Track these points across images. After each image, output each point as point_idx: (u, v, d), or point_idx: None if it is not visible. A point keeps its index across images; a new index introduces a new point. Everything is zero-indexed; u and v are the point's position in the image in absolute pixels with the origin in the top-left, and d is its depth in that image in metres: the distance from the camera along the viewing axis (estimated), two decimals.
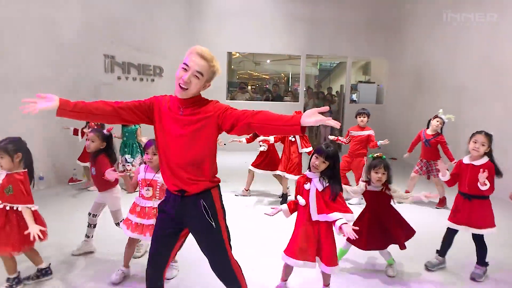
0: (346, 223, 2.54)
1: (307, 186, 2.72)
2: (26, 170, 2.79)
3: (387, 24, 9.90)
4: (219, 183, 2.18)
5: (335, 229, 2.65)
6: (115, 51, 7.10)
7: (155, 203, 2.94)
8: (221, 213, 2.14)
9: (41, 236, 2.68)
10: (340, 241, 3.08)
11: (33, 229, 2.59)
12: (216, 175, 2.18)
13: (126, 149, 5.68)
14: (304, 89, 10.60)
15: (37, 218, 2.79)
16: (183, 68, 1.99)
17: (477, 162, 3.26)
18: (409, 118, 8.92)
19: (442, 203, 5.35)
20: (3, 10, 5.01)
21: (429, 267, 3.47)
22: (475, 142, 3.27)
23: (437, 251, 3.55)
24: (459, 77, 7.36)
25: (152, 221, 2.92)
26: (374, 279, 3.24)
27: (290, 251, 2.74)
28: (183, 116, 2.04)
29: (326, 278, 2.91)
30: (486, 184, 3.09)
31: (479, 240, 3.35)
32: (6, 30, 5.08)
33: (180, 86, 1.98)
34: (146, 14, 7.98)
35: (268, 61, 15.91)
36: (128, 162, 5.36)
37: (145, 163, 3.09)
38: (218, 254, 2.13)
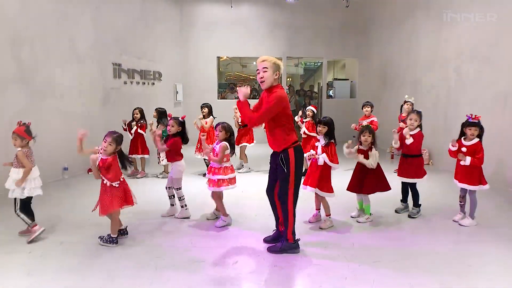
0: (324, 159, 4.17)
1: (317, 144, 4.29)
2: (115, 155, 3.71)
3: (357, 28, 11.24)
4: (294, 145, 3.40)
5: (320, 160, 4.18)
6: (121, 60, 8.27)
7: (229, 164, 4.30)
8: (292, 163, 3.37)
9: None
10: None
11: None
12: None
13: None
14: (286, 87, 11.86)
15: (128, 191, 3.77)
16: (257, 72, 3.35)
17: (413, 132, 4.54)
18: (377, 110, 10.17)
19: None
20: (35, 31, 6.14)
21: (397, 211, 4.76)
22: (411, 119, 4.56)
23: (401, 200, 4.83)
24: (414, 72, 8.68)
25: (231, 175, 4.27)
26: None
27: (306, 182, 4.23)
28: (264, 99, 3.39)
29: (326, 208, 4.29)
30: (409, 139, 4.41)
31: (412, 187, 4.63)
32: (39, 49, 6.22)
33: (259, 82, 3.36)
34: (146, 27, 9.16)
35: (254, 63, 17.08)
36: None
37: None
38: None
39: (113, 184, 3.63)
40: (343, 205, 4.83)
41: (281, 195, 3.46)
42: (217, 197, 4.37)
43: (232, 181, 4.34)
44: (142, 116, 6.81)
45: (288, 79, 17.80)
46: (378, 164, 4.44)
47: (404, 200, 4.84)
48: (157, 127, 6.24)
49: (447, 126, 7.40)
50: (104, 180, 3.64)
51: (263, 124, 3.73)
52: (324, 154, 4.17)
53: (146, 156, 6.86)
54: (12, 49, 5.78)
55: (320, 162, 4.18)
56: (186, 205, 4.62)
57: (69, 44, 6.87)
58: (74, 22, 6.93)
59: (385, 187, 4.44)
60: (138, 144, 6.73)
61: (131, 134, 6.74)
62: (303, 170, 6.27)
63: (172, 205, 4.67)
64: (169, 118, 4.71)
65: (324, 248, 3.70)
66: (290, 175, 3.38)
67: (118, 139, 3.66)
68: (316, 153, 4.24)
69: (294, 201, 3.46)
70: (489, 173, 6.14)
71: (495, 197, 5.41)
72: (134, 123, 6.78)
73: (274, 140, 3.44)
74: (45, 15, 6.34)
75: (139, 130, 6.73)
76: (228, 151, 4.31)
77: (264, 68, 3.32)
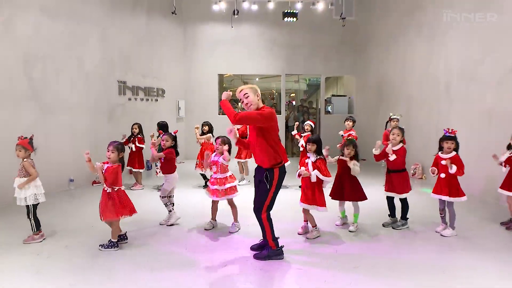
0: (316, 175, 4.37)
1: (307, 161, 4.49)
2: (120, 164, 4.09)
3: (354, 46, 11.64)
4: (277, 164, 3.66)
5: (312, 177, 4.38)
6: (126, 77, 8.71)
7: (218, 175, 4.66)
8: (275, 181, 3.66)
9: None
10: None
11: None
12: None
13: None
14: (286, 103, 12.24)
15: (126, 198, 4.10)
16: (241, 102, 3.65)
17: (396, 148, 4.81)
18: (374, 124, 10.52)
19: None
20: (46, 51, 6.60)
21: (385, 225, 4.94)
22: (393, 134, 4.84)
23: (388, 215, 5.03)
24: (407, 89, 9.00)
25: (218, 187, 4.60)
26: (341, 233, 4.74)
27: (302, 200, 4.47)
28: None
29: (311, 220, 4.50)
30: (391, 156, 4.66)
31: (402, 202, 4.86)
32: (49, 67, 6.68)
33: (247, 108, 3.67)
34: (150, 46, 9.63)
35: (257, 79, 17.59)
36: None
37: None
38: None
39: (113, 189, 3.96)
40: (330, 216, 5.08)
41: (257, 206, 3.75)
42: (233, 205, 4.77)
43: (234, 188, 4.75)
44: (140, 131, 7.17)
45: (292, 94, 18.25)
46: (355, 176, 4.74)
47: (392, 214, 5.01)
48: (157, 137, 6.60)
49: (437, 138, 7.64)
50: (105, 187, 3.97)
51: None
52: (316, 171, 4.39)
53: (141, 170, 7.17)
54: (24, 68, 6.24)
55: (313, 179, 4.39)
56: (173, 210, 4.97)
57: (78, 63, 7.31)
58: (82, 42, 7.40)
59: (362, 197, 4.72)
60: (136, 158, 7.07)
61: (129, 147, 7.07)
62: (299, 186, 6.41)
63: (170, 211, 4.99)
64: (161, 134, 5.07)
65: (308, 255, 3.97)
66: (271, 191, 3.68)
67: (119, 146, 4.07)
68: (308, 171, 4.43)
69: (267, 212, 3.75)
70: (479, 187, 6.41)
71: (483, 210, 5.63)
72: (132, 138, 7.13)
73: (261, 157, 3.72)
74: (56, 36, 6.81)
75: (137, 144, 7.07)
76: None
77: (245, 94, 3.64)
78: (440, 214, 4.70)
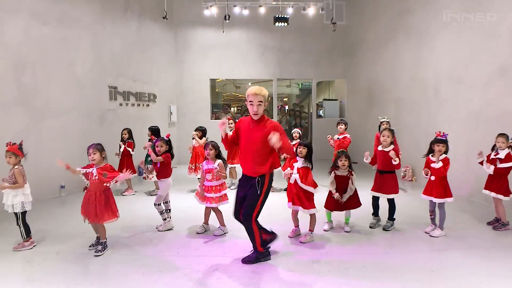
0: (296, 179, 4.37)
1: (295, 164, 4.48)
2: (107, 163, 4.12)
3: (344, 50, 11.77)
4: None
5: (292, 179, 4.44)
6: (117, 83, 8.69)
7: (213, 183, 4.65)
8: (265, 187, 3.68)
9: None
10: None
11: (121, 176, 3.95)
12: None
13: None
14: (277, 108, 12.31)
15: (113, 203, 4.12)
16: (250, 104, 3.59)
17: (387, 149, 4.87)
18: (365, 127, 10.62)
19: None
20: (36, 56, 6.57)
21: (372, 226, 5.00)
22: (383, 136, 4.90)
23: (372, 214, 5.10)
24: (397, 92, 9.11)
25: (213, 195, 4.62)
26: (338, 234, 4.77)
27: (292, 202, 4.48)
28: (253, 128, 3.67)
29: (312, 224, 4.52)
30: (396, 160, 4.69)
31: (390, 202, 4.92)
32: (39, 72, 6.64)
33: (253, 114, 3.62)
34: (142, 51, 9.64)
35: (250, 83, 17.65)
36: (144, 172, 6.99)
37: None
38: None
39: (107, 187, 4.02)
40: (319, 218, 5.08)
41: (246, 214, 3.71)
42: (218, 210, 4.77)
43: (227, 196, 4.76)
44: (130, 136, 7.14)
45: (285, 99, 18.33)
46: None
47: (375, 214, 5.09)
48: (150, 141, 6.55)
49: (428, 143, 7.71)
50: (109, 183, 3.98)
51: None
52: (297, 175, 4.39)
53: (132, 175, 7.10)
54: (14, 73, 6.19)
55: (292, 181, 4.43)
56: (169, 218, 4.98)
57: (68, 68, 7.29)
58: (73, 47, 7.38)
59: (358, 204, 4.83)
60: (125, 163, 7.01)
61: (119, 155, 7.03)
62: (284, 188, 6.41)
63: (164, 219, 4.97)
64: (153, 140, 5.06)
65: (299, 257, 3.99)
66: (261, 197, 3.69)
67: (99, 146, 4.09)
68: (292, 171, 4.46)
69: (256, 218, 3.75)
70: (467, 188, 6.48)
71: (471, 210, 5.71)
72: (121, 142, 7.11)
73: (257, 164, 3.67)
74: (46, 41, 6.77)
75: (127, 148, 7.04)
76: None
77: (259, 102, 3.57)
78: (430, 215, 4.77)
